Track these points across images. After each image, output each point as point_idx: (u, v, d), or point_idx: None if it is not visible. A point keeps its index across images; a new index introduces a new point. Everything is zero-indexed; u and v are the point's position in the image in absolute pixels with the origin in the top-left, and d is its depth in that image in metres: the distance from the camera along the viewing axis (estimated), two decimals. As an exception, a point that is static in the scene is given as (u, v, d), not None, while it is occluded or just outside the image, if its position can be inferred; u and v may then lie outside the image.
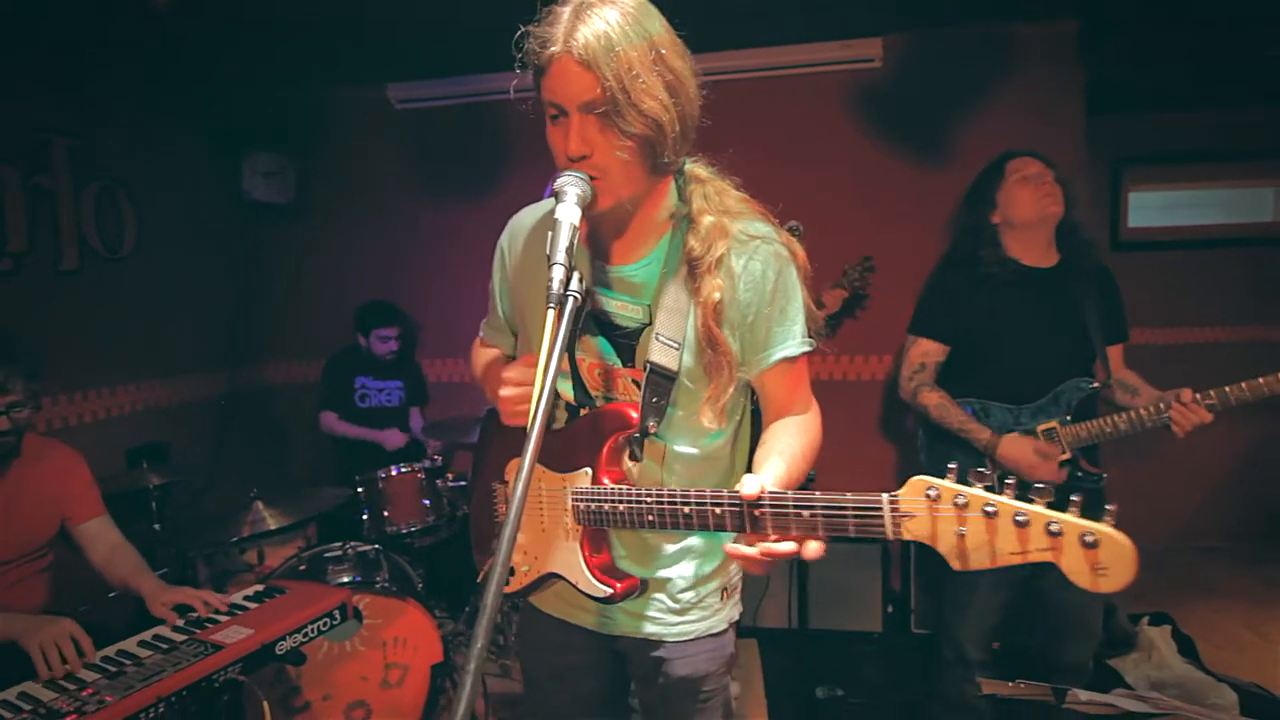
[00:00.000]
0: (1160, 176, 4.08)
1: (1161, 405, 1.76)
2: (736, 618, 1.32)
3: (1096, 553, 0.75)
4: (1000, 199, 1.94)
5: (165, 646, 1.64)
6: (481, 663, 0.69)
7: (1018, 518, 0.79)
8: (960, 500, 0.82)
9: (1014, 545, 0.79)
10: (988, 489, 0.82)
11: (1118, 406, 1.91)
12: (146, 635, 1.70)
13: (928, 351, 2.00)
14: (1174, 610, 3.05)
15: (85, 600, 1.95)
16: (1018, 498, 0.81)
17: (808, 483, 2.50)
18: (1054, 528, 0.77)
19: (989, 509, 0.80)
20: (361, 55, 3.34)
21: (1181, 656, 2.80)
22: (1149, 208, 4.13)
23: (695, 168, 1.18)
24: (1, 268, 2.61)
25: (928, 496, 0.85)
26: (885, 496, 0.88)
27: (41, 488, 1.92)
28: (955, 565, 0.83)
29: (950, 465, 0.85)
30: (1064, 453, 1.83)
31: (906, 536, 0.86)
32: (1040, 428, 1.85)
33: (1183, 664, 2.76)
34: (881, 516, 0.88)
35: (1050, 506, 0.79)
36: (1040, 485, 0.79)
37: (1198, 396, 1.72)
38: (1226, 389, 1.69)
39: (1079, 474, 1.86)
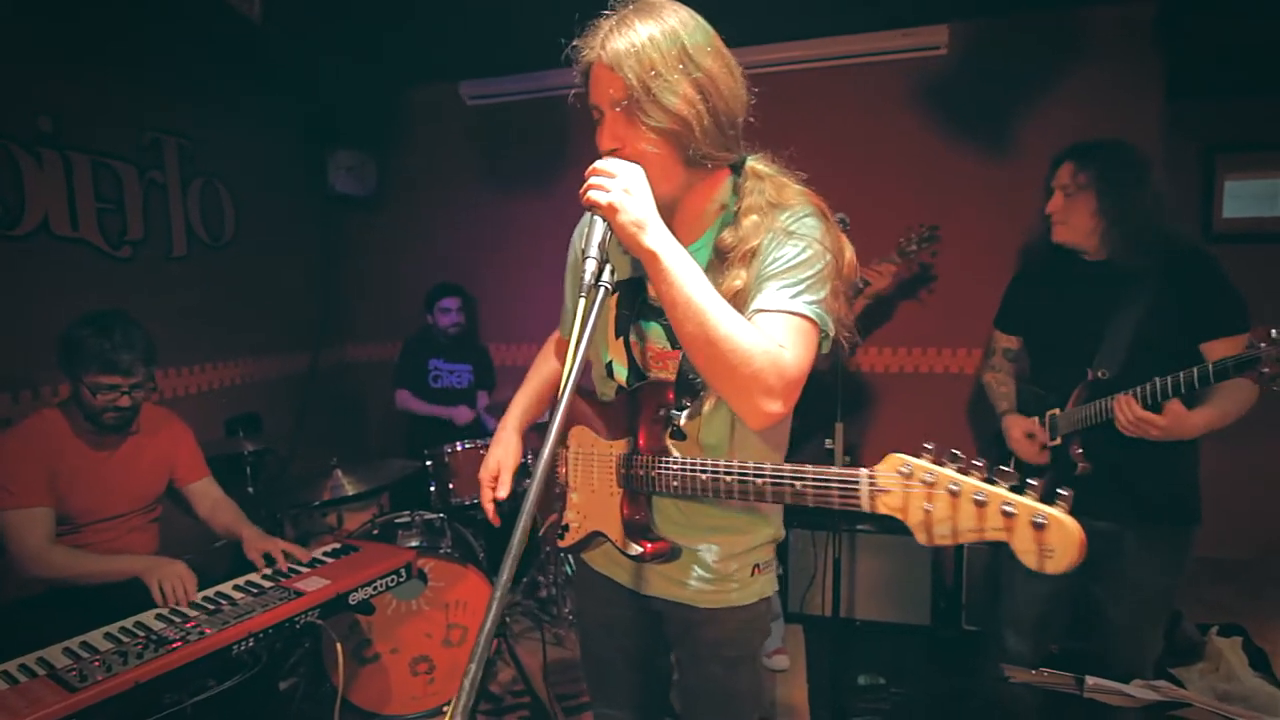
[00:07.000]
0: (1259, 164, 3.78)
1: (1111, 399, 1.77)
2: (768, 594, 1.37)
3: (1045, 534, 0.78)
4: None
5: (256, 591, 1.86)
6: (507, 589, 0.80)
7: (976, 497, 0.83)
8: (928, 478, 0.86)
9: (973, 523, 0.83)
10: (959, 471, 0.86)
11: None
12: (240, 580, 1.94)
13: (997, 339, 2.21)
14: (1251, 624, 2.89)
15: (191, 549, 2.20)
16: (985, 480, 0.84)
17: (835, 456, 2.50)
18: (1008, 509, 0.80)
19: (953, 487, 0.84)
20: (436, 53, 3.52)
21: (1253, 670, 2.67)
22: (1246, 197, 3.83)
23: (756, 164, 1.19)
24: (122, 255, 2.93)
25: (900, 473, 0.89)
26: (864, 471, 0.93)
27: (154, 453, 2.16)
28: (921, 539, 0.88)
29: (927, 446, 0.89)
30: (1054, 439, 1.93)
31: (882, 510, 0.91)
32: (1048, 413, 1.97)
33: (1254, 677, 2.63)
34: (859, 489, 0.93)
35: (1014, 490, 0.82)
36: (1005, 469, 0.83)
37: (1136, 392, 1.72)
38: (1157, 380, 1.66)
39: (1070, 460, 1.91)
